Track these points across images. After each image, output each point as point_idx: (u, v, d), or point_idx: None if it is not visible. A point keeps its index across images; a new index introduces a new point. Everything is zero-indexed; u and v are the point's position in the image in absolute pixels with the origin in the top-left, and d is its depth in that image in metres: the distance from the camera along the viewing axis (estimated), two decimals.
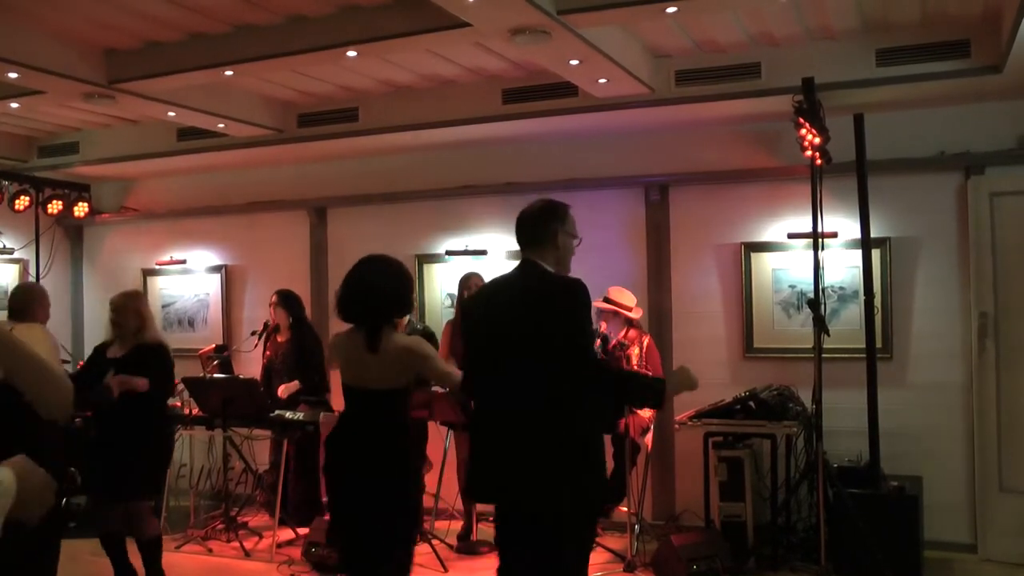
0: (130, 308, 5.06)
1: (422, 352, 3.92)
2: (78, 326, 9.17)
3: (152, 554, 4.95)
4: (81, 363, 8.08)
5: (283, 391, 6.71)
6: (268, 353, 7.07)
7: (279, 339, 7.00)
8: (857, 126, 5.87)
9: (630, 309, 6.30)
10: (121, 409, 4.83)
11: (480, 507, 6.43)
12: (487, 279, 5.90)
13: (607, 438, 6.07)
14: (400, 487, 3.89)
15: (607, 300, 6.30)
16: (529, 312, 3.40)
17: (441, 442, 6.53)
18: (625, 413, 5.82)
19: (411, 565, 4.00)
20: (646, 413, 6.23)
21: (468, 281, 6.44)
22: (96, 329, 9.00)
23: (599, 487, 3.51)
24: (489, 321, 3.53)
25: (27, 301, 5.19)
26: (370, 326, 3.86)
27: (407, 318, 6.78)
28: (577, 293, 3.38)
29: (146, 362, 4.95)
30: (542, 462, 3.29)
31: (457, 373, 3.93)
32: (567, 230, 3.55)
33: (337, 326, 4.34)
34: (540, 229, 3.53)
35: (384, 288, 3.90)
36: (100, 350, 5.13)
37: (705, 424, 5.92)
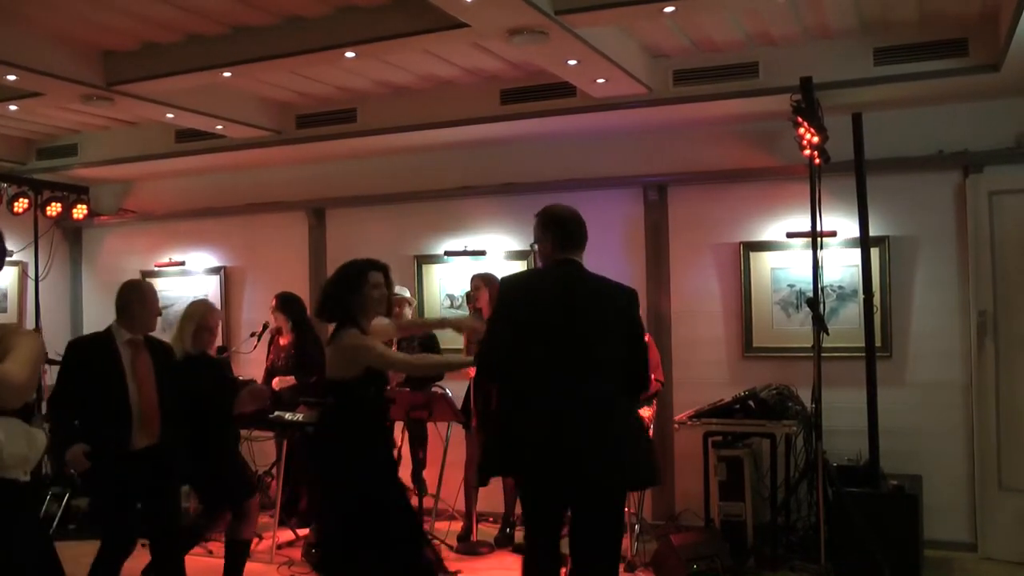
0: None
1: (358, 343, 4.28)
2: (77, 328, 9.15)
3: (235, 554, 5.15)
4: None
5: (277, 383, 6.73)
6: (271, 356, 7.07)
7: (282, 342, 6.99)
8: (855, 125, 5.87)
9: None
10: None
11: (480, 507, 6.44)
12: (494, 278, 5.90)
13: None
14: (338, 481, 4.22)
15: None
16: (606, 308, 3.73)
17: (440, 443, 6.53)
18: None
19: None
20: (645, 413, 6.23)
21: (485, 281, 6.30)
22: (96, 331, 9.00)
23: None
24: (554, 320, 3.66)
25: (126, 299, 4.70)
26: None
27: (408, 313, 6.80)
28: (637, 297, 3.89)
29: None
30: (622, 443, 3.60)
31: (403, 359, 4.75)
32: None
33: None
34: (583, 234, 3.91)
35: (325, 290, 4.47)
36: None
37: (705, 424, 5.93)
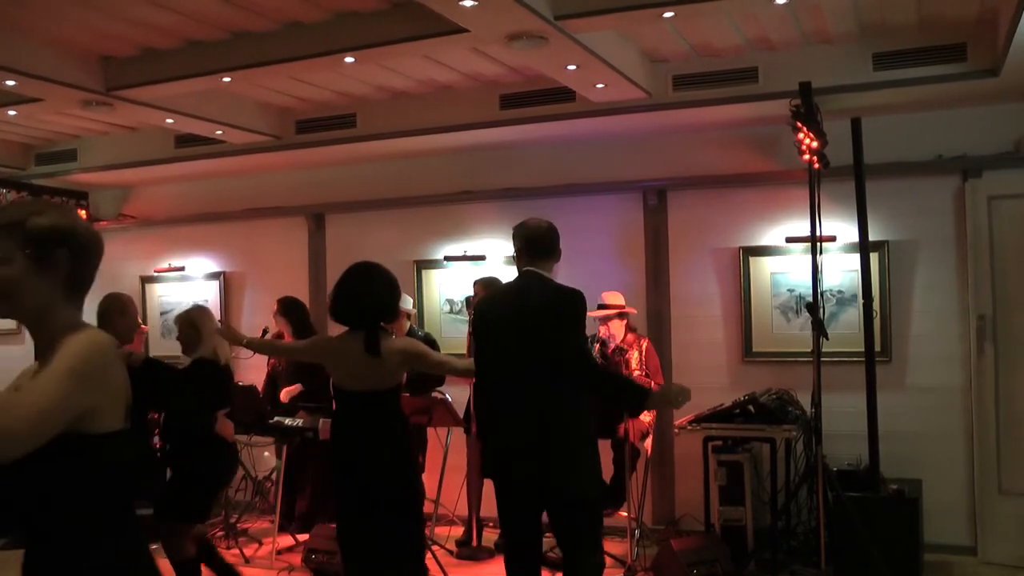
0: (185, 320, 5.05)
1: (416, 350, 4.33)
2: None
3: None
4: None
5: (285, 395, 6.70)
6: (272, 360, 7.05)
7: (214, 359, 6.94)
8: (855, 130, 5.88)
9: (626, 308, 6.34)
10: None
11: (483, 512, 6.43)
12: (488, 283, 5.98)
13: (607, 443, 6.15)
14: (408, 484, 4.18)
15: (603, 306, 6.30)
16: (543, 320, 3.87)
17: (440, 449, 6.53)
18: (624, 417, 5.81)
19: (422, 566, 4.16)
20: (646, 418, 6.23)
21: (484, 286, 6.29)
22: None
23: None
24: (505, 327, 3.97)
25: (106, 310, 4.75)
26: (369, 330, 4.17)
27: (408, 324, 6.80)
28: (580, 302, 3.94)
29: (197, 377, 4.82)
30: (569, 455, 3.88)
31: (452, 361, 4.66)
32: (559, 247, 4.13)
33: (337, 330, 4.37)
34: (550, 244, 4.07)
35: (379, 295, 4.29)
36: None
37: (704, 428, 5.92)
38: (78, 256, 2.00)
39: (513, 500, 4.00)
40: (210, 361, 4.79)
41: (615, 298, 6.36)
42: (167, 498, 4.81)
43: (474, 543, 6.36)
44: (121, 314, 4.66)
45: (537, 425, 3.83)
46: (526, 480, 3.90)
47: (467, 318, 6.57)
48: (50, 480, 1.85)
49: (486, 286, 6.09)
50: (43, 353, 1.95)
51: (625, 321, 6.35)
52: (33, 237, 1.94)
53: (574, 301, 3.93)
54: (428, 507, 6.36)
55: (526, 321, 3.90)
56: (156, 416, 5.41)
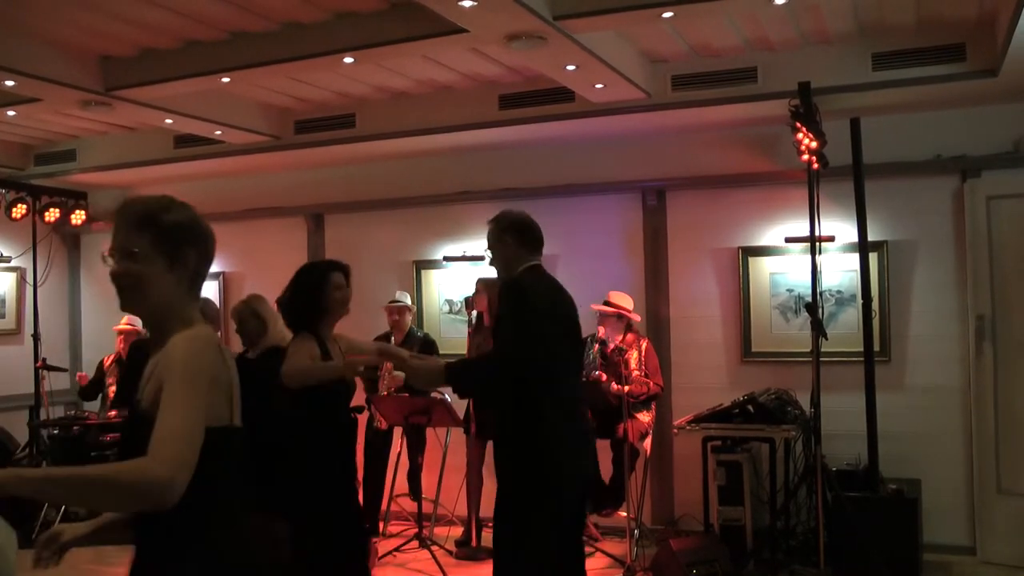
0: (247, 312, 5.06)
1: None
2: (75, 334, 9.16)
3: None
4: (81, 374, 8.09)
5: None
6: None
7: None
8: (853, 130, 5.88)
9: (630, 311, 6.32)
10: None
11: (483, 512, 6.43)
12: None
13: (606, 443, 6.15)
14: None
15: (608, 303, 6.31)
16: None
17: (440, 449, 6.53)
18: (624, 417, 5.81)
19: None
20: (645, 418, 6.24)
21: (487, 285, 6.27)
22: (93, 337, 8.99)
23: None
24: (568, 318, 3.86)
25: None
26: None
27: (409, 324, 6.80)
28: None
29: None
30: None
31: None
32: None
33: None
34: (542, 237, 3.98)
35: (284, 300, 4.26)
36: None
37: (704, 428, 5.92)
38: (202, 255, 2.01)
39: (578, 507, 3.85)
40: (284, 350, 4.50)
41: (620, 298, 6.35)
42: None
43: (473, 543, 6.36)
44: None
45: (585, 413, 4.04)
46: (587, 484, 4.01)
47: (466, 318, 6.58)
48: None
49: (489, 286, 6.09)
50: (157, 347, 1.95)
51: (624, 322, 6.35)
52: (166, 233, 1.94)
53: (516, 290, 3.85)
54: (427, 507, 6.41)
55: (574, 323, 3.91)
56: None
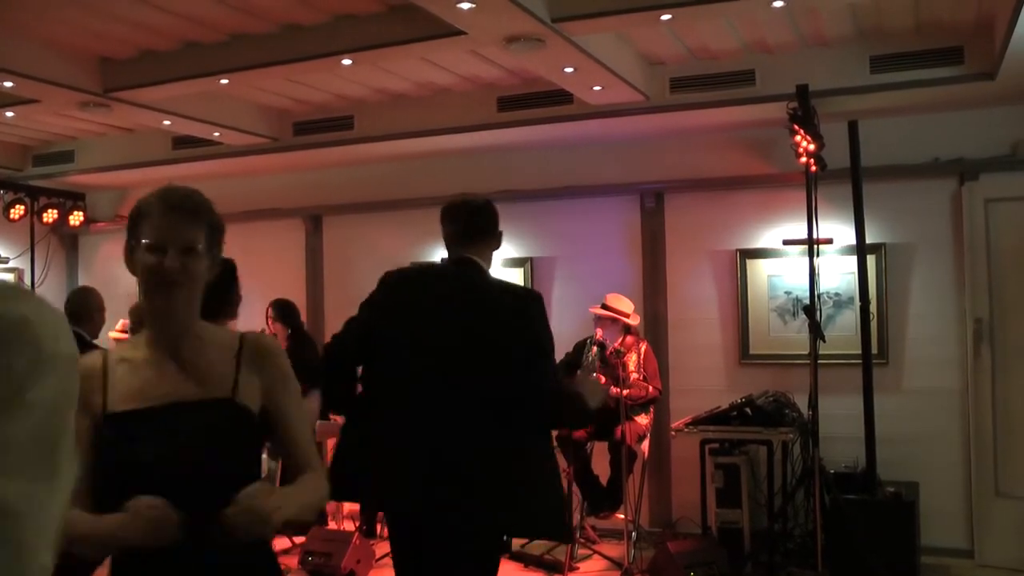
0: None
1: None
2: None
3: None
4: None
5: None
6: None
7: None
8: (851, 133, 5.88)
9: (628, 316, 6.30)
10: None
11: None
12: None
13: (604, 445, 6.16)
14: None
15: (605, 307, 6.30)
16: (483, 319, 3.02)
17: None
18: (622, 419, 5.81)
19: None
20: (643, 420, 6.23)
21: None
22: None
23: None
24: (424, 322, 3.07)
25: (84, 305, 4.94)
26: None
27: None
28: (541, 303, 3.05)
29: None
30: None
31: None
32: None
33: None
34: (488, 225, 3.25)
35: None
36: None
37: (702, 431, 5.92)
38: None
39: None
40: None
41: (618, 301, 6.32)
42: None
43: None
44: (100, 310, 4.69)
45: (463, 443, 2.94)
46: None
47: None
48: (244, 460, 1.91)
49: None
50: (175, 340, 1.87)
51: (621, 325, 6.34)
52: (217, 231, 1.93)
53: (539, 301, 3.10)
54: None
55: (467, 318, 3.04)
56: None
